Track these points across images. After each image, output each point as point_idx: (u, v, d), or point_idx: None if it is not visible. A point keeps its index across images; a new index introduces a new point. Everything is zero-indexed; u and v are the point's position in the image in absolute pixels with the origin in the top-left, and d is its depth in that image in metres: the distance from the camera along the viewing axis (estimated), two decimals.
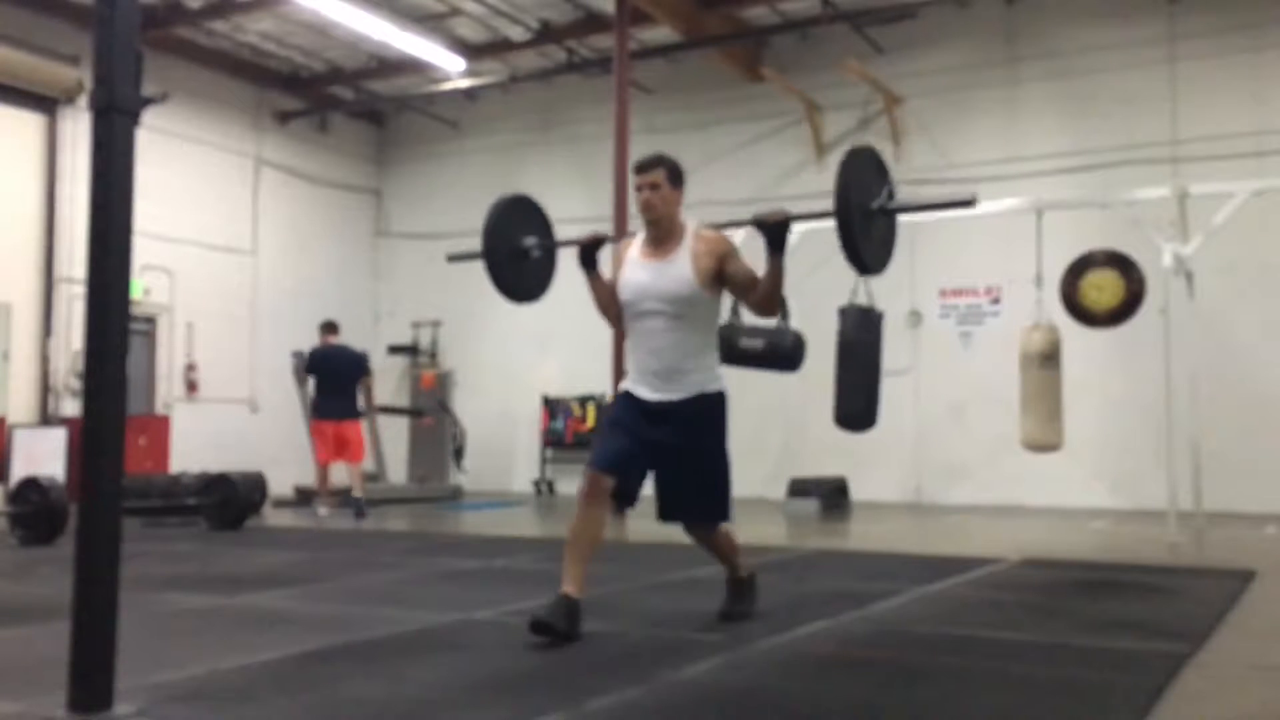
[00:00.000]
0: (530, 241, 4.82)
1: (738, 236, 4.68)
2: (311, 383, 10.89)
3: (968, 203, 4.19)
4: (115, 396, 3.03)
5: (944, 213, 4.30)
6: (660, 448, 4.24)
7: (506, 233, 4.83)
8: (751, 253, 4.39)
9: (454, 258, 5.40)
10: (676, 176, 4.36)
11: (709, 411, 4.31)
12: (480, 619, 4.60)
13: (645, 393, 4.28)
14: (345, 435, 10.66)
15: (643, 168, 4.36)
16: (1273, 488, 10.71)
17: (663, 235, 4.33)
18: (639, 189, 4.32)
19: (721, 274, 4.25)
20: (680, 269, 4.23)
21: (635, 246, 4.43)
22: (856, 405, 9.12)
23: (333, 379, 10.71)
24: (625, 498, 4.20)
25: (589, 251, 4.49)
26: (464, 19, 13.40)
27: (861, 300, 9.25)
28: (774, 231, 4.11)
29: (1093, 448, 11.24)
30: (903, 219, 11.94)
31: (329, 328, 11.03)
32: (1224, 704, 3.32)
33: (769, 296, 4.22)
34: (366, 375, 10.95)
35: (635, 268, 4.36)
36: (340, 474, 10.91)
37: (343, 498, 10.78)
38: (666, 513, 4.36)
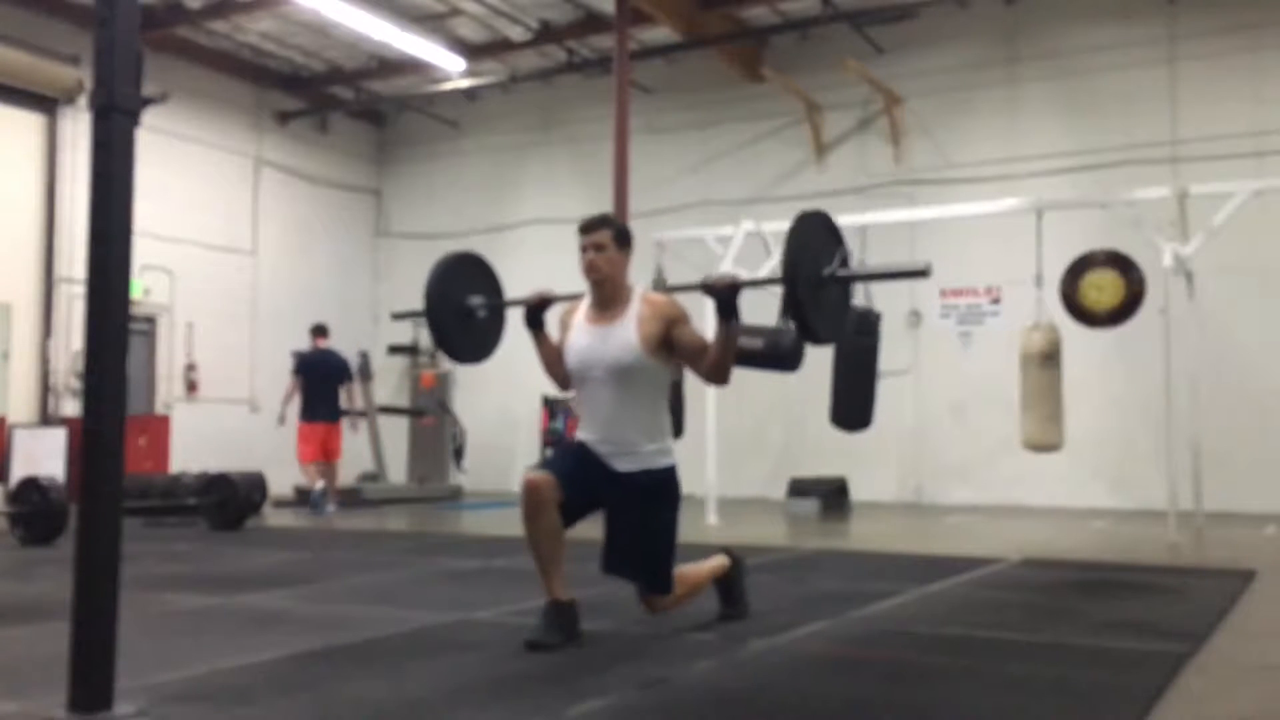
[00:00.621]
0: (476, 301, 4.59)
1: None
2: (296, 384, 11.24)
3: (921, 273, 3.96)
4: (115, 396, 3.03)
5: (902, 279, 4.03)
6: (608, 496, 4.12)
7: (450, 292, 4.57)
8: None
9: (398, 316, 5.31)
10: (624, 238, 4.22)
11: (657, 488, 4.13)
12: (480, 619, 4.60)
13: (596, 454, 4.15)
14: (331, 437, 11.20)
15: (588, 228, 4.20)
16: (1273, 488, 10.71)
17: (608, 298, 4.17)
18: (584, 249, 4.16)
19: (669, 340, 4.08)
20: (625, 335, 4.08)
21: (581, 310, 4.27)
22: (853, 407, 9.14)
23: (321, 382, 11.15)
24: (567, 515, 4.05)
25: (535, 312, 4.33)
26: (464, 19, 13.40)
27: (860, 302, 9.25)
28: (723, 296, 3.90)
29: (1093, 448, 11.23)
30: (905, 218, 11.91)
31: (320, 331, 11.34)
32: (1224, 704, 3.32)
33: (719, 364, 4.05)
34: (350, 381, 11.52)
35: (580, 333, 4.20)
36: (342, 474, 11.02)
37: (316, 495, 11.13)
38: (609, 566, 4.16)
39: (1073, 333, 9.11)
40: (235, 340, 14.38)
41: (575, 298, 4.37)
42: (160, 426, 12.58)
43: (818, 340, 4.11)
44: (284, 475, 12.15)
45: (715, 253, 10.35)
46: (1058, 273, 9.04)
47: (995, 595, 5.44)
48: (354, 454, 13.61)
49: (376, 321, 16.47)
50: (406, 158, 16.66)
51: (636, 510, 4.11)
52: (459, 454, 14.52)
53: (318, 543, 8.22)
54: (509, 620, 4.54)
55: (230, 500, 9.11)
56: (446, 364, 15.91)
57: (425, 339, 16.11)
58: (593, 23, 13.21)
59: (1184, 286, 8.99)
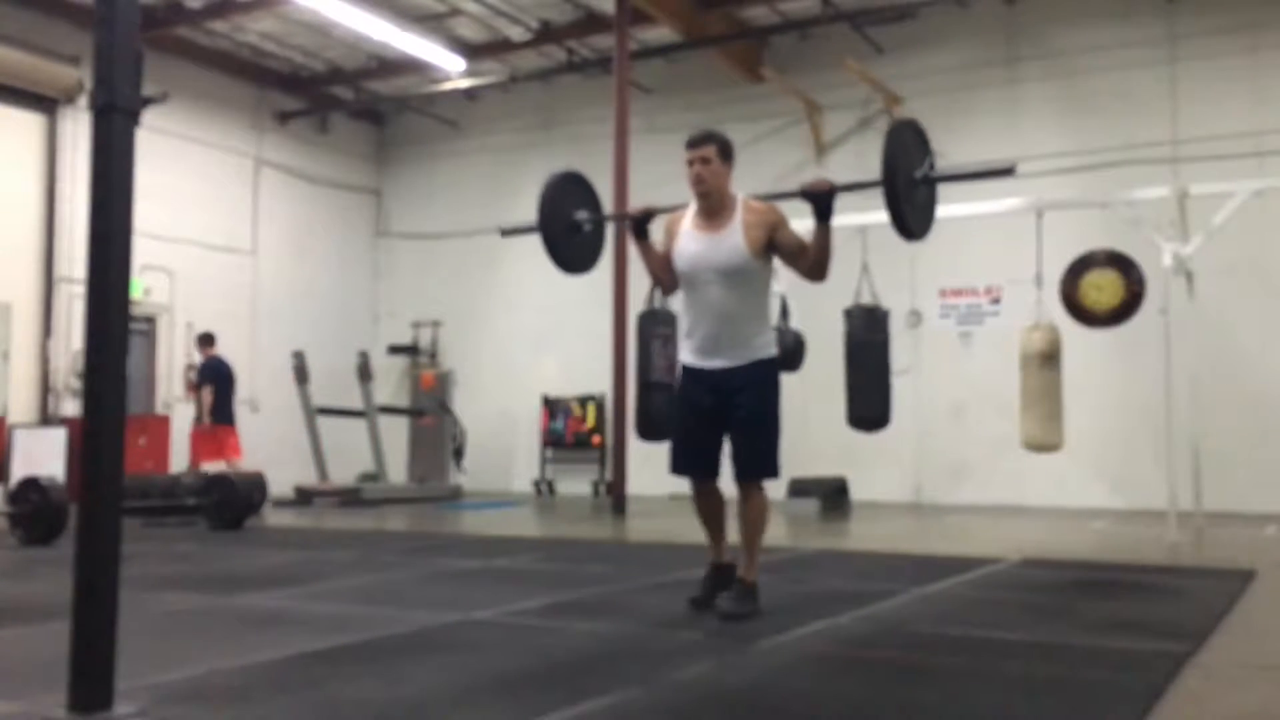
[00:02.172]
0: (582, 215, 4.95)
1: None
2: (210, 391, 11.42)
3: (1007, 171, 4.35)
4: (115, 396, 3.03)
5: (988, 178, 4.58)
6: (720, 413, 4.52)
7: (560, 207, 4.92)
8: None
9: (508, 232, 5.52)
10: (726, 151, 4.57)
11: (760, 376, 4.52)
12: (480, 619, 4.60)
13: (700, 361, 4.55)
14: (235, 438, 11.49)
15: (694, 143, 4.54)
16: (1273, 488, 10.71)
17: (714, 208, 4.52)
18: (690, 163, 4.50)
19: (772, 243, 4.48)
20: (733, 240, 4.45)
21: (687, 218, 4.60)
22: (872, 406, 9.12)
23: (228, 387, 11.51)
24: (712, 472, 4.63)
25: (640, 223, 4.70)
26: (464, 19, 13.41)
27: (866, 300, 9.26)
28: (821, 201, 4.37)
29: (1093, 448, 11.24)
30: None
31: (209, 340, 11.70)
32: (1224, 704, 3.32)
33: (819, 262, 4.47)
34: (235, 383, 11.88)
35: (689, 239, 4.54)
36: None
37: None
38: (735, 470, 4.58)
39: (1073, 333, 9.11)
40: (235, 340, 14.35)
41: (679, 208, 4.71)
42: (160, 426, 12.58)
43: (912, 235, 4.41)
44: (284, 475, 12.16)
45: None
46: (1058, 273, 9.04)
47: (995, 595, 5.43)
48: (354, 454, 13.63)
49: (376, 321, 16.48)
50: (406, 158, 16.67)
51: (752, 396, 4.50)
52: (459, 454, 14.53)
53: (318, 543, 8.22)
54: (509, 620, 4.54)
55: (230, 500, 9.11)
56: (446, 364, 15.94)
57: (425, 339, 16.13)
58: (593, 23, 13.22)
59: (1184, 286, 8.99)
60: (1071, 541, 8.31)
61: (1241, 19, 11.62)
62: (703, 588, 4.66)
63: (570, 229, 4.93)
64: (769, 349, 4.58)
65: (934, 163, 4.40)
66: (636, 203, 11.76)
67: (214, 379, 11.37)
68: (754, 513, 4.57)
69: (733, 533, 4.72)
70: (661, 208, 4.77)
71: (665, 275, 4.69)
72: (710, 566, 4.72)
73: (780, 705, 3.20)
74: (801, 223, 4.76)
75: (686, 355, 4.63)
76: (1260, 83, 11.53)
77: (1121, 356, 11.08)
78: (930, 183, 4.41)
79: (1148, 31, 12.04)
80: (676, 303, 4.93)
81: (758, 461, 4.55)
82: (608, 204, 11.90)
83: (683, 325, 4.70)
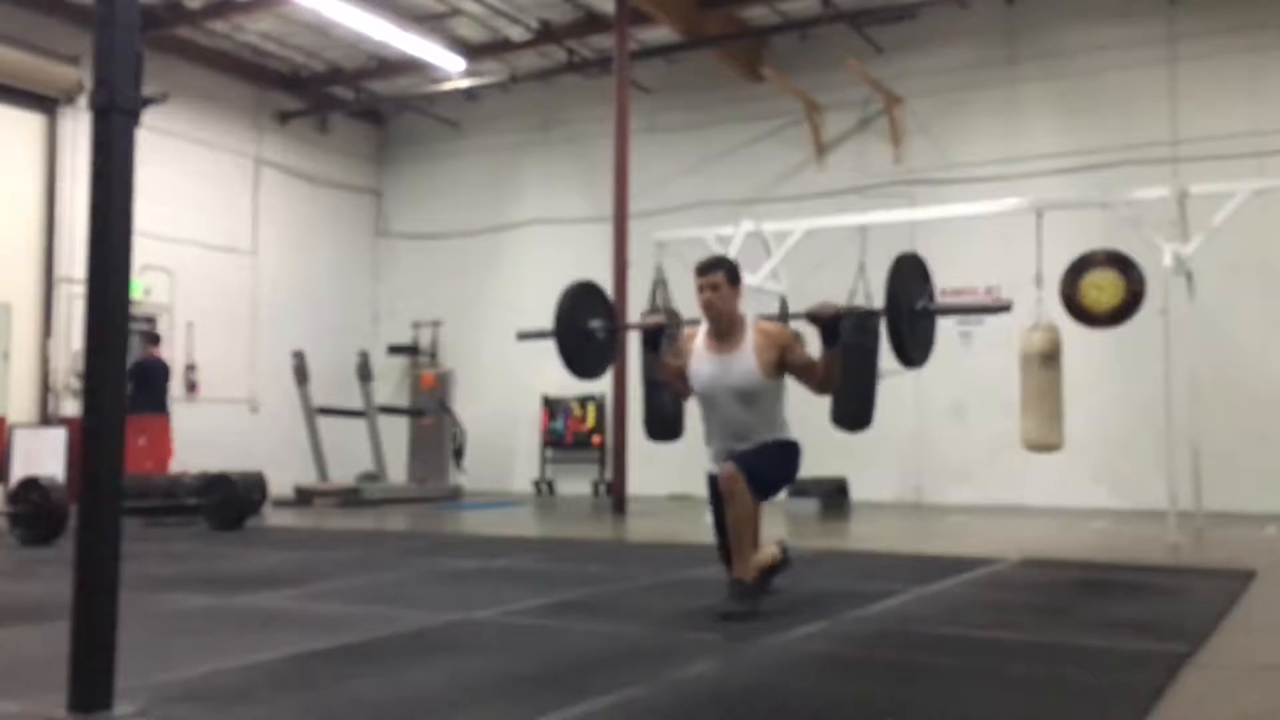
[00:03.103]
0: (595, 324, 5.26)
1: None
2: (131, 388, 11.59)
3: (1004, 308, 4.79)
4: (115, 396, 3.03)
5: (985, 313, 5.13)
6: None
7: (576, 315, 5.24)
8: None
9: (525, 336, 5.70)
10: (734, 277, 4.81)
11: (773, 440, 4.79)
12: (480, 619, 4.60)
13: (718, 468, 4.70)
14: (162, 425, 11.74)
15: (704, 270, 4.80)
16: (1273, 488, 10.70)
17: (725, 330, 4.79)
18: (700, 289, 4.77)
19: (783, 363, 4.73)
20: (745, 363, 4.71)
21: (700, 338, 4.87)
22: (853, 407, 9.14)
23: (161, 380, 11.84)
24: None
25: (652, 338, 5.01)
26: (464, 19, 13.40)
27: (861, 301, 9.24)
28: (828, 326, 4.55)
29: (1093, 448, 11.23)
30: (905, 218, 11.92)
31: (155, 339, 12.02)
32: (1224, 704, 3.32)
33: (827, 379, 4.69)
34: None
35: (703, 361, 4.81)
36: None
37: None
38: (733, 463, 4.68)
39: (1073, 333, 9.09)
40: (235, 340, 14.38)
41: (693, 323, 4.99)
42: (160, 426, 12.56)
43: (912, 364, 4.81)
44: (284, 475, 12.16)
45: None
46: (1058, 273, 9.03)
47: (995, 595, 5.44)
48: (354, 454, 13.63)
49: (376, 321, 16.48)
50: (406, 158, 16.66)
51: (756, 446, 4.73)
52: (459, 454, 14.52)
53: (318, 543, 8.22)
54: (509, 620, 4.54)
55: (230, 500, 9.11)
56: (446, 364, 15.94)
57: (425, 339, 16.13)
58: (593, 23, 13.21)
59: (1184, 286, 8.99)
60: (1071, 541, 8.31)
61: (1241, 19, 11.61)
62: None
63: (582, 336, 5.21)
64: (783, 433, 4.83)
65: (934, 295, 4.75)
66: (636, 205, 11.87)
67: (134, 376, 11.35)
68: (736, 510, 4.56)
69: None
70: (670, 324, 5.13)
71: (679, 384, 4.96)
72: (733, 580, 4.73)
73: (780, 705, 3.20)
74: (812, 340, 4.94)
75: (709, 463, 4.85)
76: (1260, 83, 11.52)
77: (1121, 356, 11.07)
78: (930, 315, 4.76)
79: (1148, 31, 12.04)
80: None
81: (750, 461, 4.63)
82: (606, 206, 11.99)
83: (704, 434, 4.93)
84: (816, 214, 11.34)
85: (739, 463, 4.59)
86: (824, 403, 9.47)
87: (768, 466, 4.72)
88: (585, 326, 5.22)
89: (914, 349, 4.64)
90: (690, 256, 11.13)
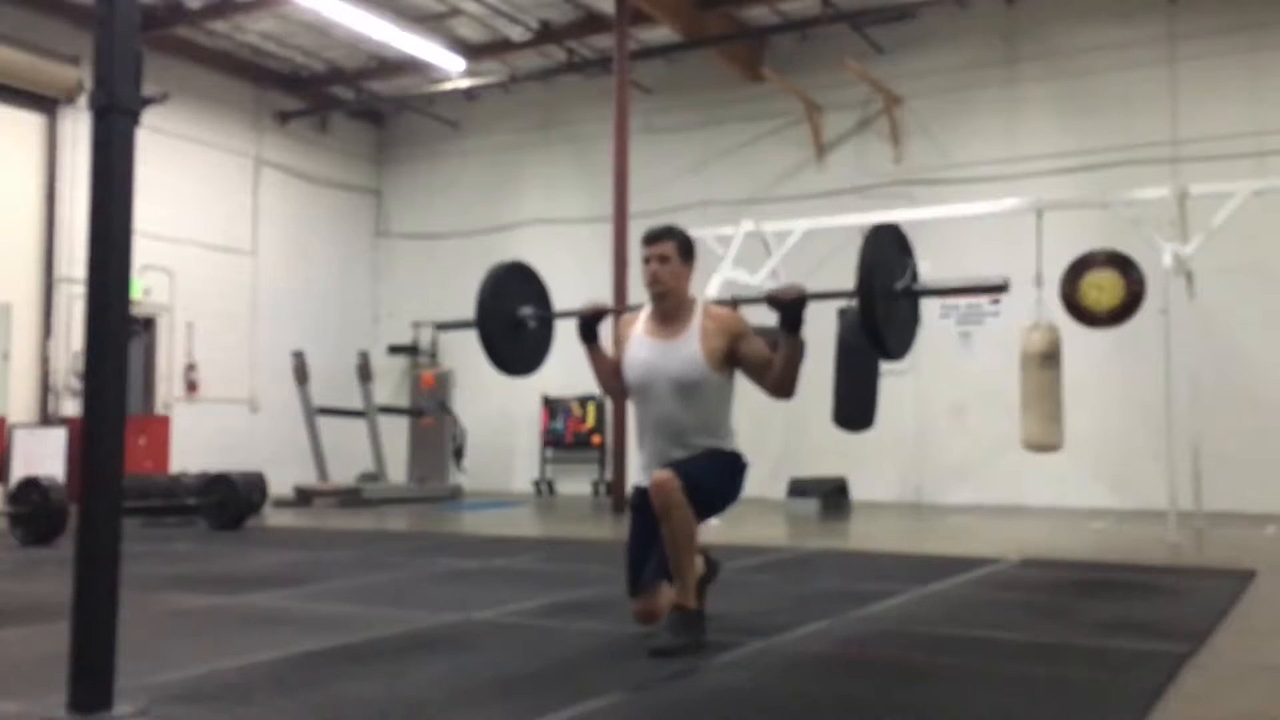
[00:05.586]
0: (527, 311, 4.59)
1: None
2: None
3: (1000, 288, 3.98)
4: (115, 396, 3.03)
5: (979, 294, 4.07)
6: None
7: (502, 302, 4.57)
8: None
9: (444, 326, 5.11)
10: (688, 250, 4.12)
11: (709, 453, 4.05)
12: (480, 619, 4.60)
13: (648, 481, 3.99)
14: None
15: (652, 239, 4.10)
16: (1273, 488, 10.70)
17: (670, 311, 4.09)
18: (646, 260, 4.08)
19: (734, 354, 4.02)
20: (689, 349, 4.01)
21: (640, 322, 4.19)
22: (855, 408, 9.14)
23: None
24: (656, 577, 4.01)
25: (589, 324, 4.24)
26: (464, 19, 13.40)
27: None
28: (789, 309, 3.82)
29: (1093, 448, 11.23)
30: (905, 218, 11.99)
31: None
32: (1224, 704, 3.32)
33: (785, 379, 3.96)
34: None
35: (641, 346, 4.12)
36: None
37: None
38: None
39: (1073, 333, 9.10)
40: (235, 340, 14.37)
41: (633, 309, 4.31)
42: (160, 427, 12.58)
43: (889, 355, 4.08)
44: (284, 475, 12.16)
45: (715, 253, 10.34)
46: (1058, 273, 9.04)
47: (995, 595, 5.43)
48: (354, 454, 13.63)
49: (376, 321, 16.47)
50: (406, 158, 16.66)
51: (695, 457, 4.00)
52: (459, 454, 14.52)
53: (318, 543, 8.22)
54: (509, 620, 4.54)
55: (230, 500, 9.11)
56: (446, 364, 15.93)
57: (425, 339, 16.13)
58: (593, 23, 13.21)
59: (1184, 286, 8.99)
60: (1071, 541, 8.31)
61: (1241, 19, 11.61)
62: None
63: (512, 325, 4.57)
64: (727, 444, 4.10)
65: (916, 272, 4.01)
66: (636, 205, 11.86)
67: None
68: (674, 523, 3.84)
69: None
70: (614, 307, 4.36)
71: (614, 382, 4.23)
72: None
73: (780, 705, 3.20)
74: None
75: (637, 474, 4.12)
76: (1260, 83, 11.52)
77: (1121, 356, 11.07)
78: (912, 295, 4.05)
79: (1148, 31, 12.03)
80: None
81: (688, 469, 3.92)
82: (606, 206, 11.98)
83: (636, 438, 4.18)
84: (816, 214, 11.35)
85: (676, 470, 3.87)
86: (825, 401, 9.50)
87: (710, 479, 3.97)
88: (515, 314, 4.56)
89: (890, 336, 3.91)
90: None
